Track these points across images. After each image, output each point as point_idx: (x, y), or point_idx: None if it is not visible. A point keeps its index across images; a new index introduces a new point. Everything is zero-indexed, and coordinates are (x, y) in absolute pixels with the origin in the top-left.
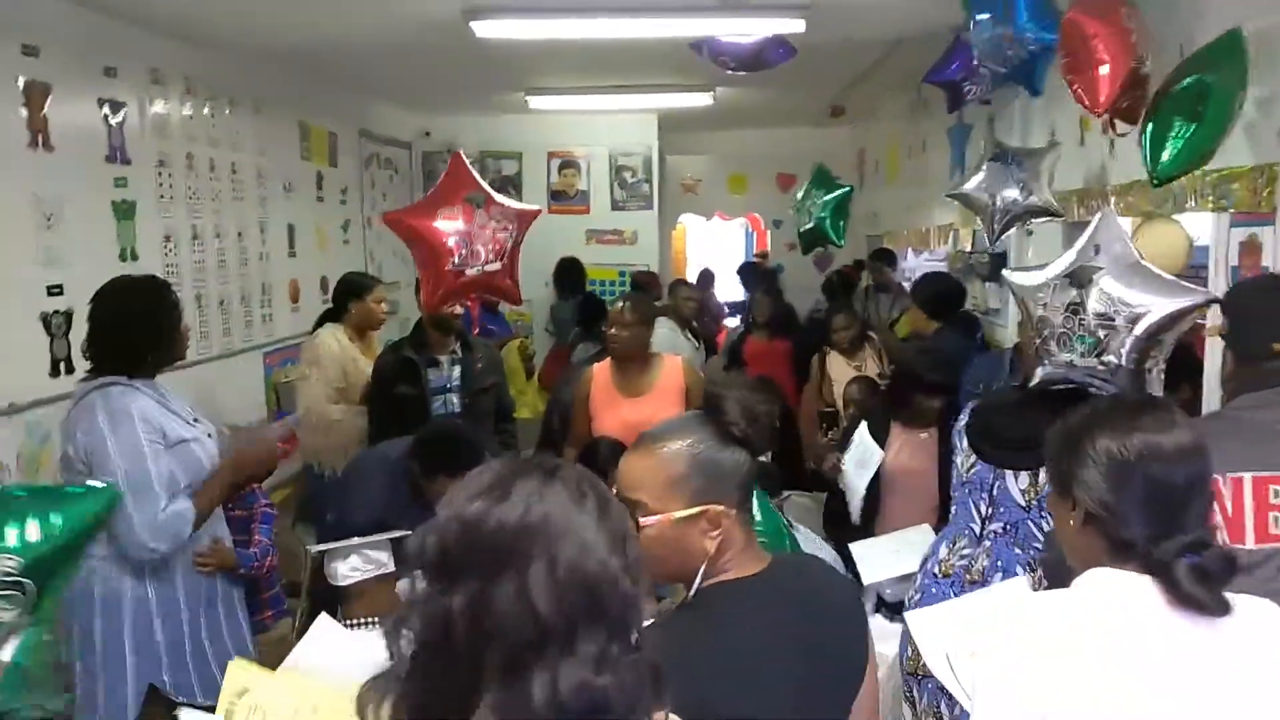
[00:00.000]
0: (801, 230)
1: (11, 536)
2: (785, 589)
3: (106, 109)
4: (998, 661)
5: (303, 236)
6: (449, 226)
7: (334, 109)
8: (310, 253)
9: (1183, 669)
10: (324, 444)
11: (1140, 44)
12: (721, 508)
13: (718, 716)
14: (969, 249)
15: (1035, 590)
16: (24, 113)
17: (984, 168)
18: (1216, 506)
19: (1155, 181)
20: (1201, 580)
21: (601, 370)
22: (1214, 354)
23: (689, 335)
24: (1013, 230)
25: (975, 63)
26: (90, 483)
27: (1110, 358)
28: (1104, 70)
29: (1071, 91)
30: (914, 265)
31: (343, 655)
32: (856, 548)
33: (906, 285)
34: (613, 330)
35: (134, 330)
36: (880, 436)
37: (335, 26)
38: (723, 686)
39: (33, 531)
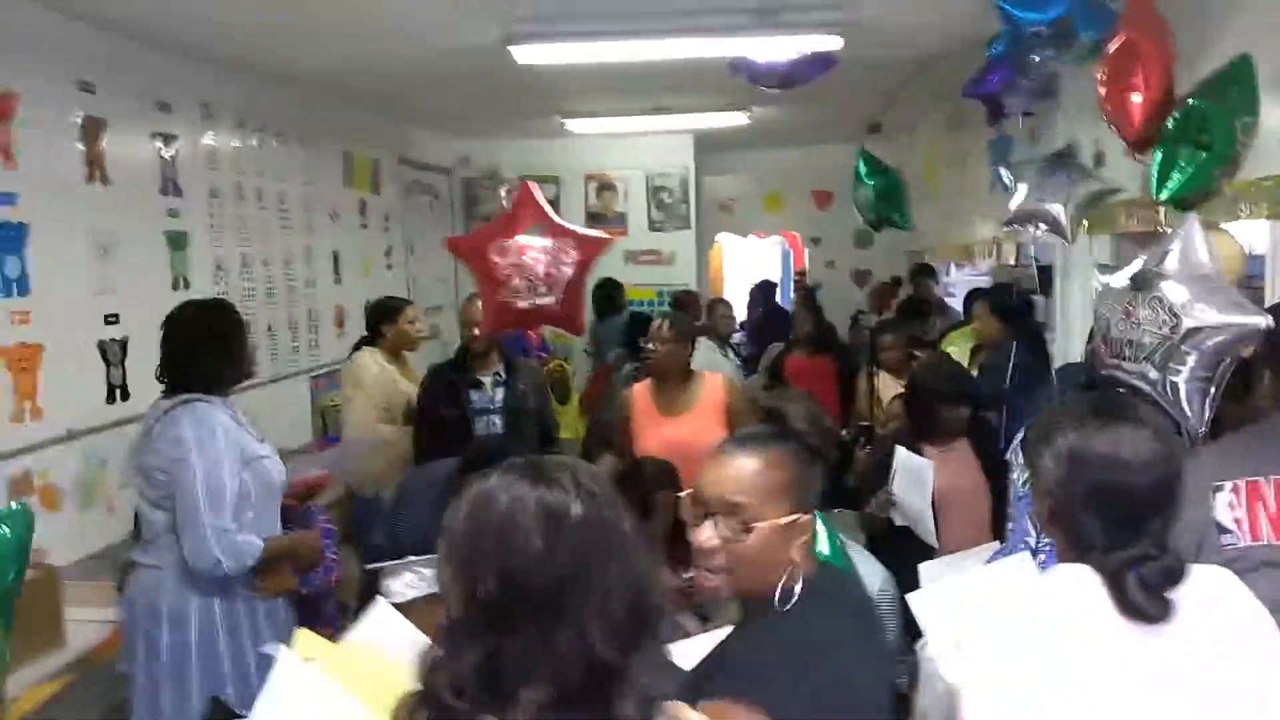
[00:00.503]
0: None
1: None
2: (839, 587)
3: (160, 142)
4: (977, 652)
5: (347, 263)
6: (503, 259)
7: (376, 137)
8: (354, 279)
9: (1127, 664)
10: (374, 465)
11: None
12: (809, 517)
13: (869, 702)
14: (1013, 263)
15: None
16: (81, 147)
17: (1031, 183)
18: (1259, 504)
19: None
20: (1147, 588)
21: (641, 390)
22: None
23: (729, 353)
24: (1058, 244)
25: (1013, 74)
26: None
27: (1175, 376)
28: (1137, 97)
29: (1104, 112)
30: (956, 280)
31: (399, 641)
32: (926, 568)
33: (949, 301)
34: (651, 346)
35: (210, 350)
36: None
37: (377, 57)
38: (861, 676)
39: None
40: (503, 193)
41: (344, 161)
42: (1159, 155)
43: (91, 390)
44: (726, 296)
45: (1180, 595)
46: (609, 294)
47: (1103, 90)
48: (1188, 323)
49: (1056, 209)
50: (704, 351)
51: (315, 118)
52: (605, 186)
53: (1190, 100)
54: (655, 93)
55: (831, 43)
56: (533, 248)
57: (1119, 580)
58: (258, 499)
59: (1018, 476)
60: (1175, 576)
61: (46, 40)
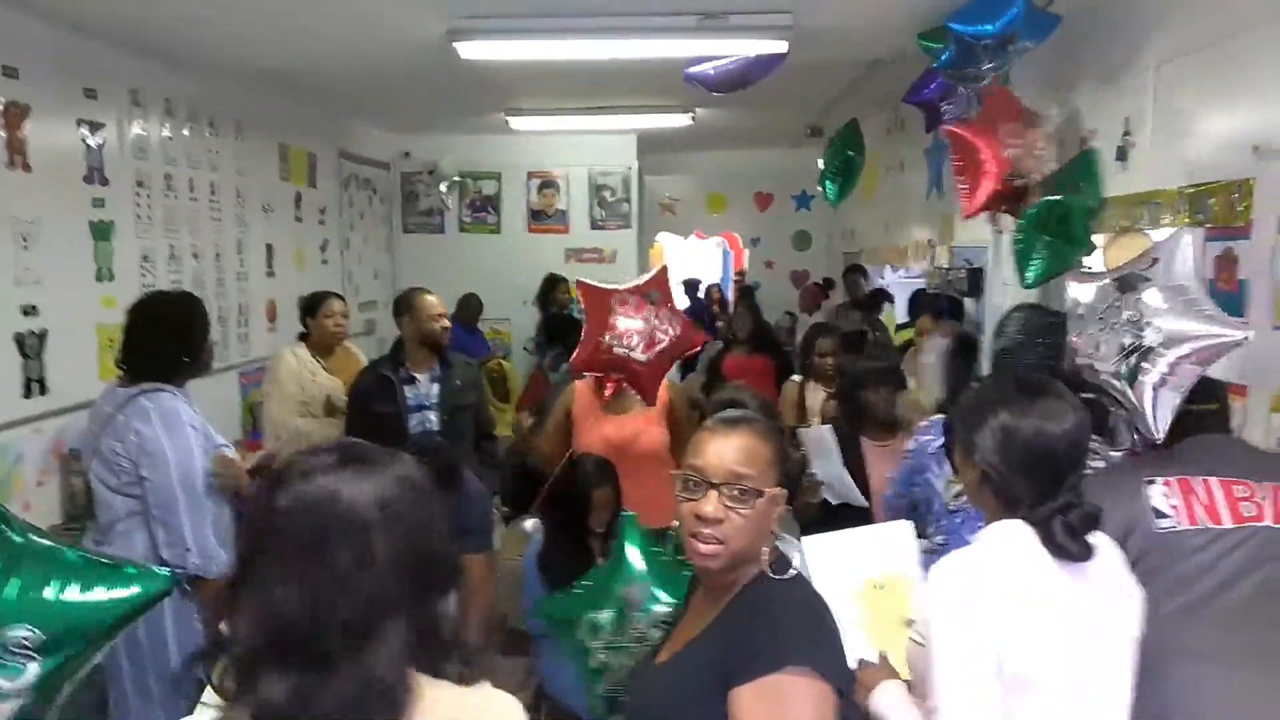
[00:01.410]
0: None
1: (48, 593)
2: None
3: (85, 130)
4: (937, 601)
5: (281, 257)
6: (620, 308)
7: (313, 130)
8: (288, 273)
9: (1059, 594)
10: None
11: (1024, 163)
12: (785, 491)
13: (845, 670)
14: (946, 265)
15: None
16: (2, 133)
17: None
18: (1192, 496)
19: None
20: (1069, 534)
21: (584, 387)
22: None
23: None
24: (990, 245)
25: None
26: (151, 569)
27: (1147, 379)
28: (980, 179)
29: (958, 190)
30: (891, 281)
31: None
32: (810, 543)
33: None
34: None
35: (173, 340)
36: (853, 459)
37: (318, 49)
38: (837, 642)
39: (72, 595)
40: (443, 188)
41: (279, 153)
42: (1019, 243)
43: (6, 385)
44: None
45: (1097, 542)
46: (547, 289)
47: (956, 169)
48: (1166, 329)
49: None
50: None
51: (250, 108)
52: (547, 184)
53: (1049, 196)
54: (600, 92)
55: (777, 46)
56: (648, 309)
57: (1048, 527)
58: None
59: (945, 487)
60: (1093, 520)
61: None
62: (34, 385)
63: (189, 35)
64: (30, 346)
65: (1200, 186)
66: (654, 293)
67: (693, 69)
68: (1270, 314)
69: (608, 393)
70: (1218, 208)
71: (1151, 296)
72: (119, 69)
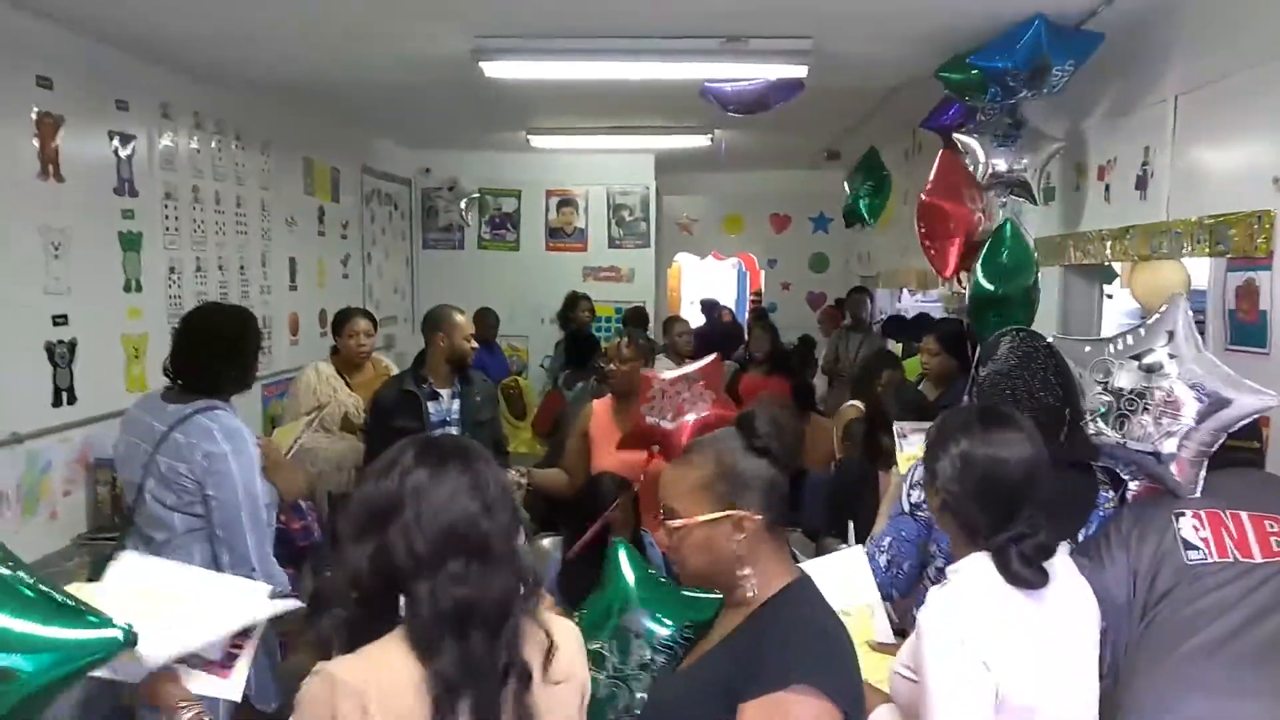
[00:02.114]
0: (845, 208)
1: None
2: (816, 597)
3: (116, 141)
4: (930, 640)
5: (304, 270)
6: (658, 384)
7: (337, 145)
8: (310, 286)
9: (1029, 620)
10: (309, 471)
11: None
12: (746, 513)
13: (854, 692)
14: (965, 290)
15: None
16: (35, 144)
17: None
18: (1223, 529)
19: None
20: (1024, 562)
21: (602, 407)
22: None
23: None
24: None
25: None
26: (104, 629)
27: (1185, 454)
28: (949, 243)
29: (927, 256)
30: (908, 306)
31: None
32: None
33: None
34: (612, 366)
35: (226, 353)
36: (861, 486)
37: (344, 65)
38: (849, 663)
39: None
40: (462, 205)
41: (304, 168)
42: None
43: (37, 393)
44: (683, 315)
45: (1053, 567)
46: (568, 307)
47: (922, 236)
48: (1202, 406)
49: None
50: (662, 369)
51: (276, 123)
52: (565, 202)
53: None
54: (619, 112)
55: (797, 71)
56: (681, 383)
57: (1003, 555)
58: (269, 501)
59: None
60: (1048, 551)
61: (4, 35)
62: (63, 394)
63: (219, 50)
64: (60, 355)
65: (1220, 217)
66: (696, 374)
67: (711, 83)
68: None
69: (649, 465)
70: (1238, 238)
71: (1187, 373)
72: (150, 82)
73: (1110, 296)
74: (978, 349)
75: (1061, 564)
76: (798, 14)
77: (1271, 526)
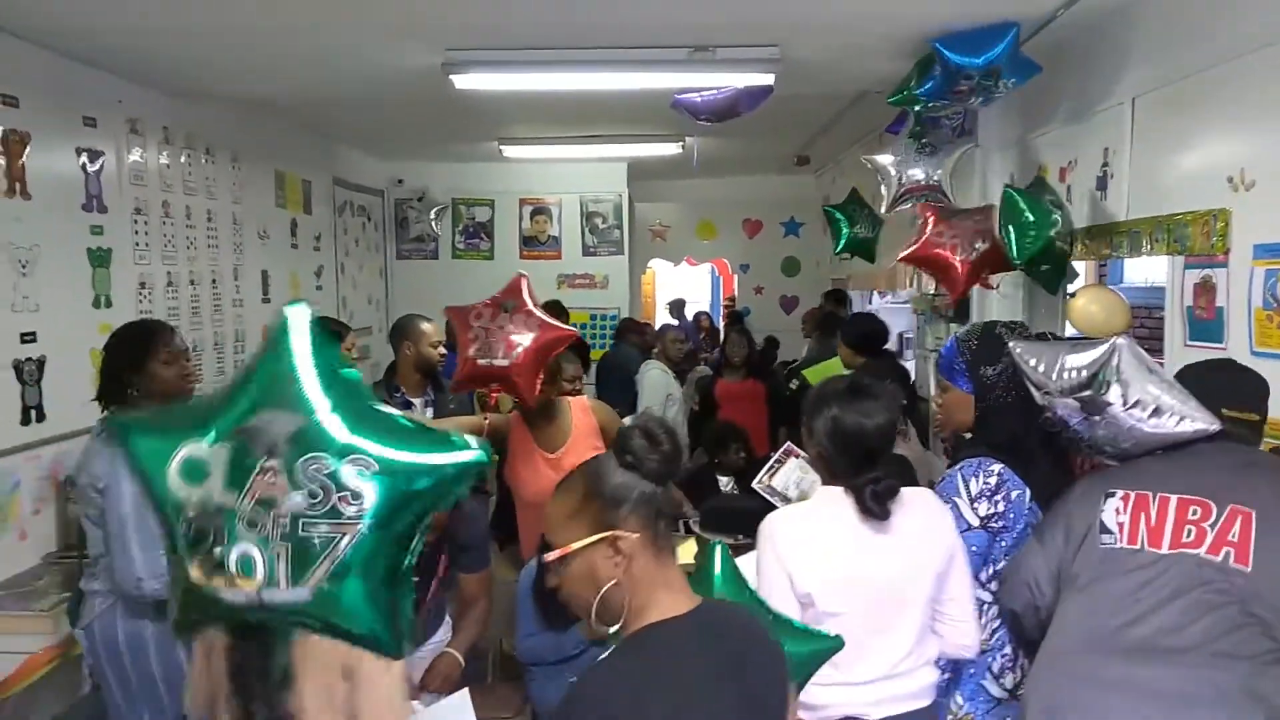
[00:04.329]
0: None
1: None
2: (717, 632)
3: (84, 158)
4: (770, 542)
5: (276, 283)
6: (476, 322)
7: (308, 157)
8: (284, 299)
9: (866, 546)
10: None
11: (969, 240)
12: (621, 533)
13: None
14: (933, 292)
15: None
16: (1, 162)
17: (903, 145)
18: (1143, 514)
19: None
20: (875, 500)
21: (518, 423)
22: None
23: (676, 377)
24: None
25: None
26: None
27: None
28: (955, 277)
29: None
30: (878, 307)
31: None
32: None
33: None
34: (570, 386)
35: (120, 371)
36: None
37: (314, 79)
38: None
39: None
40: (432, 215)
41: (275, 180)
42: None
43: (5, 410)
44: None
45: (898, 504)
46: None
47: (932, 276)
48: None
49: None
50: (656, 374)
51: (247, 136)
52: (539, 210)
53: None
54: (591, 121)
55: (764, 80)
56: (502, 316)
57: (860, 494)
58: None
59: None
60: (894, 491)
61: None
62: (31, 412)
63: (187, 65)
64: (28, 373)
65: (1177, 216)
66: (509, 302)
67: (681, 95)
68: (1248, 340)
69: (491, 402)
70: (1195, 237)
71: (1119, 412)
72: (118, 97)
73: (1073, 295)
74: (969, 351)
75: (921, 509)
76: (764, 23)
77: (1194, 512)
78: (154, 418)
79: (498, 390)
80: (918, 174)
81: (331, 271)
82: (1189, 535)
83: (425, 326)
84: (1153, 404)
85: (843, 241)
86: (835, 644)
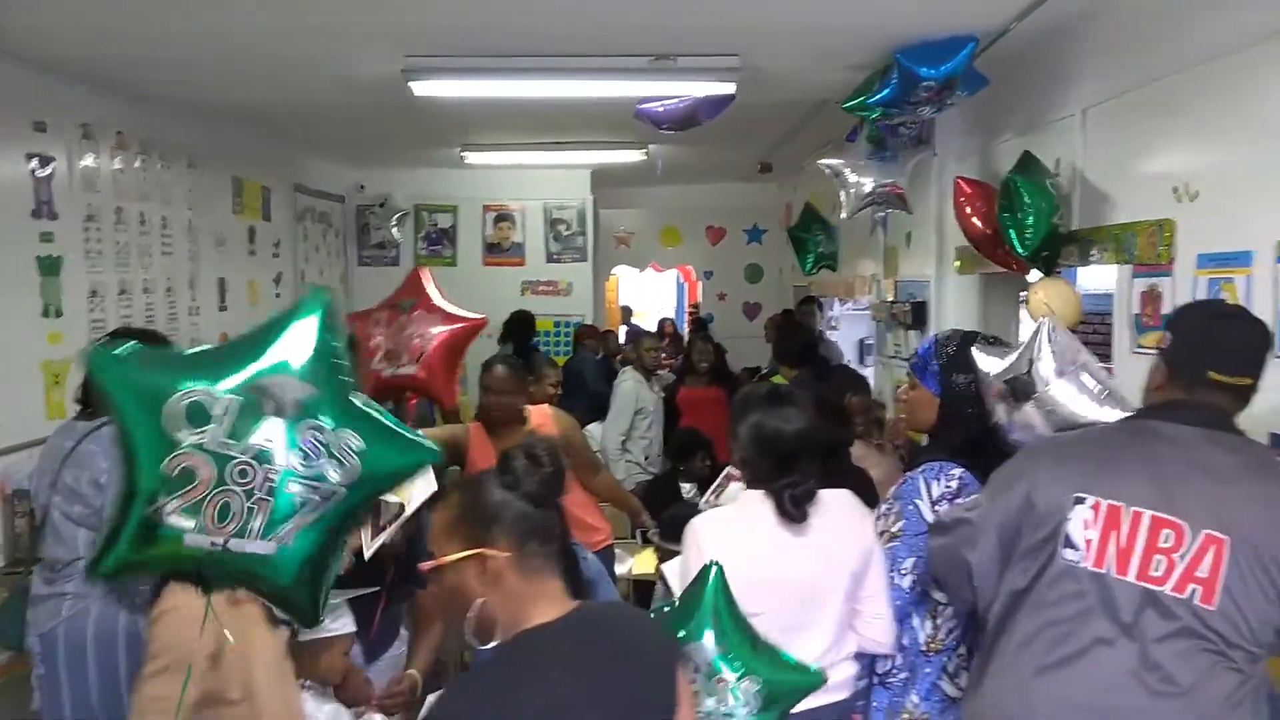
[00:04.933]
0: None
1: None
2: (592, 632)
3: (34, 163)
4: (694, 544)
5: (234, 291)
6: (375, 330)
7: (267, 163)
8: (241, 307)
9: (786, 547)
10: None
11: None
12: (489, 552)
13: None
14: (891, 299)
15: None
16: None
17: (860, 152)
18: (1114, 532)
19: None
20: (794, 503)
21: (478, 433)
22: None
23: (653, 385)
24: (931, 280)
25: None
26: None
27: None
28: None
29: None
30: (840, 314)
31: None
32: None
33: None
34: (491, 397)
35: None
36: None
37: (272, 84)
38: None
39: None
40: (394, 221)
41: (233, 187)
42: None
43: None
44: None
45: (817, 506)
46: (517, 326)
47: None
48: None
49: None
50: (629, 384)
51: (204, 142)
52: (502, 217)
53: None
54: (554, 128)
55: (725, 88)
56: (402, 318)
57: (779, 497)
58: None
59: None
60: (811, 495)
61: None
62: None
63: (142, 70)
64: None
65: (1126, 226)
66: (406, 301)
67: (643, 106)
68: None
69: (410, 409)
70: (1141, 246)
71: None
72: (70, 102)
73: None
74: (945, 356)
75: (840, 511)
76: (724, 32)
77: (1166, 538)
78: (151, 356)
79: (414, 399)
80: (871, 182)
81: (291, 279)
82: (1157, 569)
83: None
84: (1079, 373)
85: (810, 261)
86: (816, 680)
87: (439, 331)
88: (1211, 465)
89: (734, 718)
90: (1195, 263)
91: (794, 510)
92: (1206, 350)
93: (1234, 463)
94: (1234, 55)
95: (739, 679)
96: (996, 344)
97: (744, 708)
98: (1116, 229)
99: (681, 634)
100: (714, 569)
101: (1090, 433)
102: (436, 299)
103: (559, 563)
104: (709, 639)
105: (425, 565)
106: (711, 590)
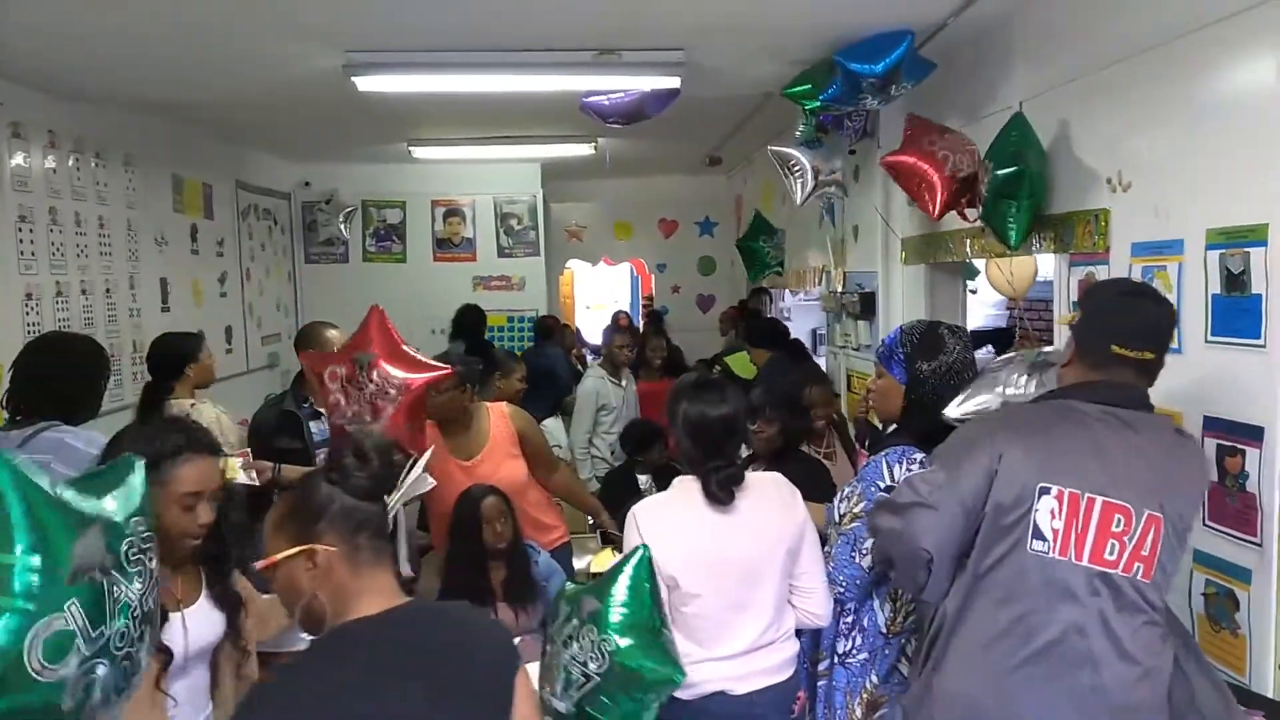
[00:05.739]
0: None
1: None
2: (414, 628)
3: None
4: (634, 529)
5: (177, 291)
6: (333, 384)
7: (208, 160)
8: (186, 307)
9: (720, 529)
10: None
11: (959, 159)
12: (316, 547)
13: None
14: (840, 289)
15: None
16: None
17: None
18: (1074, 520)
19: (1012, 249)
20: (721, 487)
21: (431, 430)
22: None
23: (622, 381)
24: (879, 270)
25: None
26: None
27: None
28: (929, 190)
29: (919, 206)
30: (791, 305)
31: None
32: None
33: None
34: (432, 394)
35: (81, 380)
36: None
37: (213, 82)
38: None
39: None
40: (341, 217)
41: (173, 185)
42: (991, 215)
43: None
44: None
45: (747, 489)
46: (466, 319)
47: (908, 191)
48: None
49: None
50: (590, 382)
51: (141, 139)
52: (452, 212)
53: (999, 170)
54: (502, 122)
55: (669, 83)
56: (361, 376)
57: (706, 480)
58: None
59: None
60: (738, 479)
61: None
62: None
63: (74, 67)
64: None
65: (1064, 215)
66: (363, 356)
67: (589, 99)
68: None
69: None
70: (1079, 235)
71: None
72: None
73: (974, 291)
74: (910, 345)
75: (769, 491)
76: (667, 26)
77: (1118, 522)
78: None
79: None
80: (819, 169)
81: (236, 277)
82: (1111, 552)
83: (330, 334)
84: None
85: (758, 271)
86: (677, 679)
87: (396, 389)
88: (1143, 447)
89: (586, 667)
90: (1130, 251)
91: (720, 493)
92: (1110, 325)
93: (1158, 441)
94: (1165, 47)
95: (601, 636)
96: (960, 335)
97: (594, 663)
98: (1055, 218)
99: (586, 593)
100: (641, 549)
101: (1027, 411)
102: (391, 346)
103: (393, 558)
104: (597, 600)
105: (259, 564)
106: (635, 565)
